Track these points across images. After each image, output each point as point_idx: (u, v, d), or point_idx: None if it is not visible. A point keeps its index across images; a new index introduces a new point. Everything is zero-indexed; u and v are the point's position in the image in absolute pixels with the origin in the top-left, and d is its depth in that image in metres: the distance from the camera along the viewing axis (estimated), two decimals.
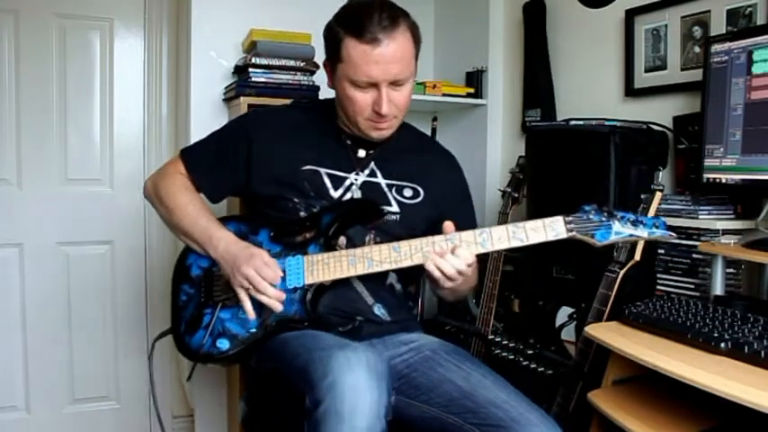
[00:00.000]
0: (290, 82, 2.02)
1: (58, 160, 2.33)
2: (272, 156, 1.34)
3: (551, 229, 1.17)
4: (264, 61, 1.97)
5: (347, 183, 1.33)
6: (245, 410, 1.35)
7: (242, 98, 1.93)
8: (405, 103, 1.29)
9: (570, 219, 1.18)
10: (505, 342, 1.98)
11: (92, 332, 2.41)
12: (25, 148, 2.27)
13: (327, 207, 1.30)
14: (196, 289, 1.32)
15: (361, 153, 1.37)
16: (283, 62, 2.00)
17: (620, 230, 1.17)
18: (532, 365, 1.86)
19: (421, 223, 1.36)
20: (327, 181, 1.33)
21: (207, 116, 2.11)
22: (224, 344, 1.24)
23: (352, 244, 1.28)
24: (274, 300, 1.21)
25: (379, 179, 1.36)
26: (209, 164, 1.38)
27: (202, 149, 1.42)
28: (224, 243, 1.26)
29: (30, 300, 2.32)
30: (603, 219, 1.17)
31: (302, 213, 1.31)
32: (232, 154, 1.36)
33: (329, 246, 1.26)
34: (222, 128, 1.46)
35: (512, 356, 1.94)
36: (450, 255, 1.16)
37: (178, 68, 2.41)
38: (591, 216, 1.18)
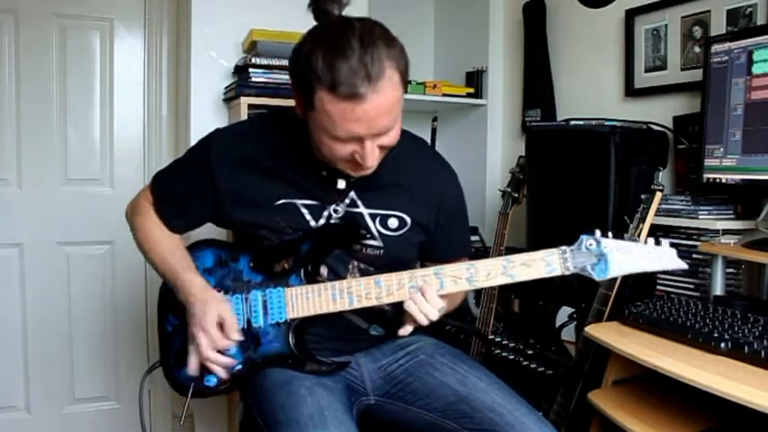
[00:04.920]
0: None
1: (58, 160, 2.32)
2: (241, 195, 1.22)
3: (546, 263, 1.10)
4: (264, 61, 1.97)
5: (326, 213, 1.22)
6: (244, 411, 1.34)
7: (242, 98, 1.93)
8: (393, 143, 1.10)
9: (567, 253, 1.10)
10: (505, 342, 1.98)
11: (92, 332, 2.41)
12: (25, 149, 2.27)
13: (306, 234, 1.22)
14: (180, 320, 1.26)
15: (341, 184, 1.22)
16: (283, 62, 1.99)
17: (621, 265, 1.09)
18: (532, 365, 1.86)
19: (409, 251, 1.30)
20: (305, 212, 1.22)
21: (207, 116, 2.12)
22: (211, 381, 1.22)
23: (334, 273, 1.23)
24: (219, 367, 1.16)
25: (361, 209, 1.23)
26: (176, 206, 1.29)
27: (170, 187, 1.30)
28: (182, 295, 1.18)
29: (30, 300, 2.31)
30: (602, 253, 1.09)
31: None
32: (200, 197, 1.25)
33: (310, 278, 1.20)
34: (189, 161, 1.30)
35: (512, 356, 1.94)
36: (422, 298, 1.12)
37: (178, 68, 2.41)
38: (589, 248, 1.10)
